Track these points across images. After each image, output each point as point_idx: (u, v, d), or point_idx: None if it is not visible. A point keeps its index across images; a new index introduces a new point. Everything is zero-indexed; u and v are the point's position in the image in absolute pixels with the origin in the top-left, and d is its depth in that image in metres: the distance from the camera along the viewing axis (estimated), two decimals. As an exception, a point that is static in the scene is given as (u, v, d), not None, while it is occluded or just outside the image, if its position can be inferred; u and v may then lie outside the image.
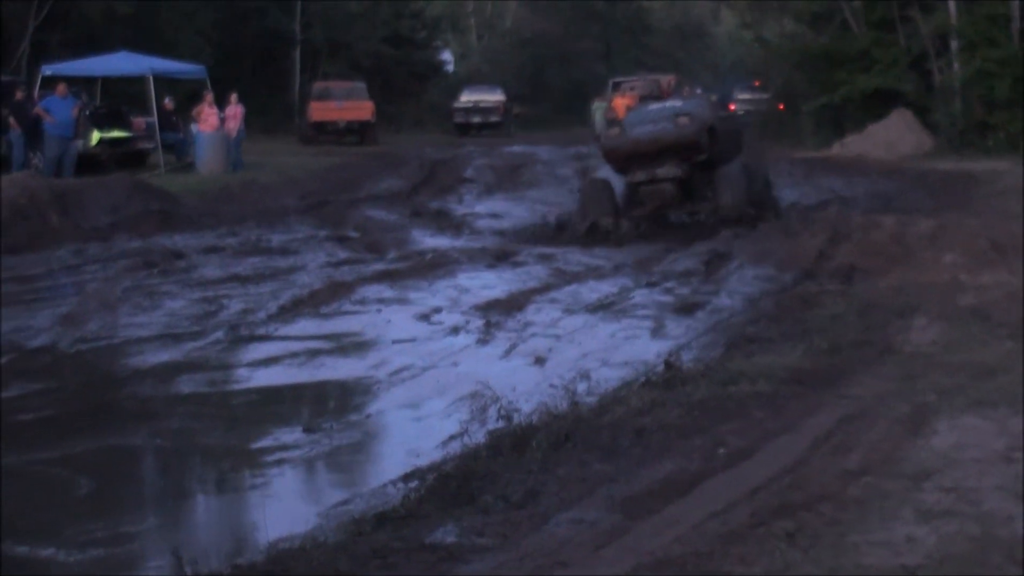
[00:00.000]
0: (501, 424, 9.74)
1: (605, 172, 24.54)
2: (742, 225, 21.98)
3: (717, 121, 24.08)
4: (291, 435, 10.67)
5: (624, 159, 23.33)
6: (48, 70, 33.91)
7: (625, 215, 23.44)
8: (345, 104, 49.65)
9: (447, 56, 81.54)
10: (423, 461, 9.38)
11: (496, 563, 6.59)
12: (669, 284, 17.08)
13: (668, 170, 22.77)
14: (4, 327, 14.91)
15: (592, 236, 22.65)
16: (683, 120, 23.07)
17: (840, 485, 7.36)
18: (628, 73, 57.81)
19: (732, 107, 50.61)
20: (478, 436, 9.73)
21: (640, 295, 16.48)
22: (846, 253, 17.78)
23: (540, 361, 12.97)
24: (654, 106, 25.49)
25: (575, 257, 20.04)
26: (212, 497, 9.66)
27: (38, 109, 30.39)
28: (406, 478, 8.85)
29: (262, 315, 15.50)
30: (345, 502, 8.66)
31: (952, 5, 40.34)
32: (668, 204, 23.59)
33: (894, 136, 39.51)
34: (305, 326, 15.15)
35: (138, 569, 7.95)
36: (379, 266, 19.13)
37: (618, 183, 23.68)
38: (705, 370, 11.02)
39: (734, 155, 24.68)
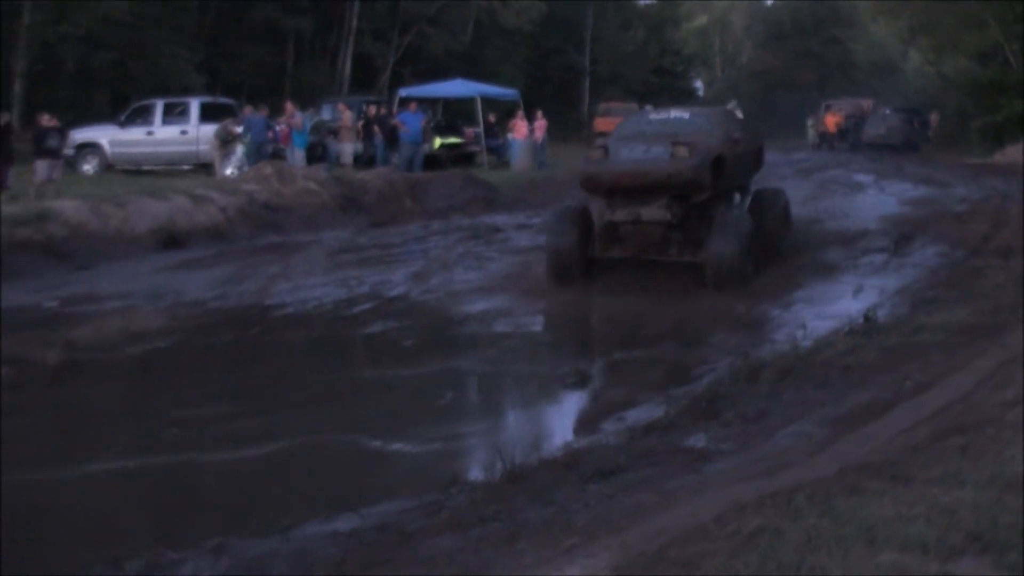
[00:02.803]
0: (739, 360, 9.70)
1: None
2: (730, 285, 14.01)
3: (727, 146, 14.81)
4: (578, 363, 10.83)
5: (604, 192, 14.60)
6: (403, 92, 34.56)
7: (599, 253, 15.08)
8: (623, 120, 49.71)
9: (698, 84, 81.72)
10: (681, 388, 9.40)
11: (735, 463, 6.58)
12: (867, 259, 16.70)
13: (655, 212, 14.31)
14: (371, 280, 15.35)
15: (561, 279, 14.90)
16: (681, 151, 13.96)
17: (1000, 412, 7.13)
18: (836, 98, 56.49)
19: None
20: (721, 368, 9.74)
21: (845, 265, 16.15)
22: (1006, 236, 17.20)
23: (766, 313, 12.87)
24: (656, 116, 16.27)
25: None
26: (521, 408, 9.78)
27: (396, 121, 30.96)
28: (668, 399, 8.88)
29: (560, 275, 15.57)
30: (621, 415, 8.72)
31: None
32: (653, 248, 14.68)
33: (1044, 147, 38.14)
34: (590, 284, 15.20)
35: (466, 460, 8.11)
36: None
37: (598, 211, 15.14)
38: (895, 323, 10.80)
39: (748, 176, 17.25)
